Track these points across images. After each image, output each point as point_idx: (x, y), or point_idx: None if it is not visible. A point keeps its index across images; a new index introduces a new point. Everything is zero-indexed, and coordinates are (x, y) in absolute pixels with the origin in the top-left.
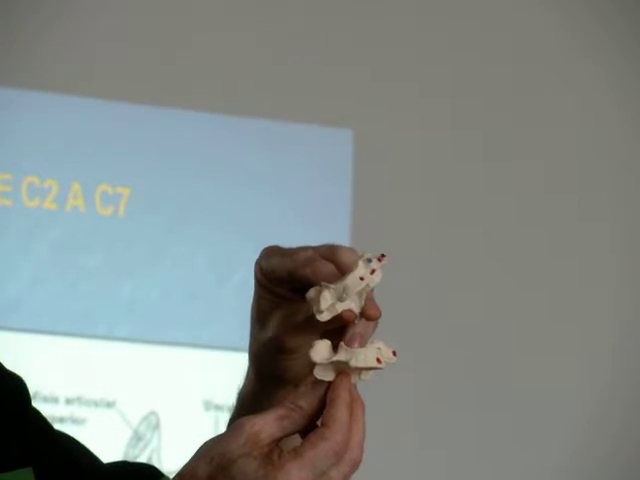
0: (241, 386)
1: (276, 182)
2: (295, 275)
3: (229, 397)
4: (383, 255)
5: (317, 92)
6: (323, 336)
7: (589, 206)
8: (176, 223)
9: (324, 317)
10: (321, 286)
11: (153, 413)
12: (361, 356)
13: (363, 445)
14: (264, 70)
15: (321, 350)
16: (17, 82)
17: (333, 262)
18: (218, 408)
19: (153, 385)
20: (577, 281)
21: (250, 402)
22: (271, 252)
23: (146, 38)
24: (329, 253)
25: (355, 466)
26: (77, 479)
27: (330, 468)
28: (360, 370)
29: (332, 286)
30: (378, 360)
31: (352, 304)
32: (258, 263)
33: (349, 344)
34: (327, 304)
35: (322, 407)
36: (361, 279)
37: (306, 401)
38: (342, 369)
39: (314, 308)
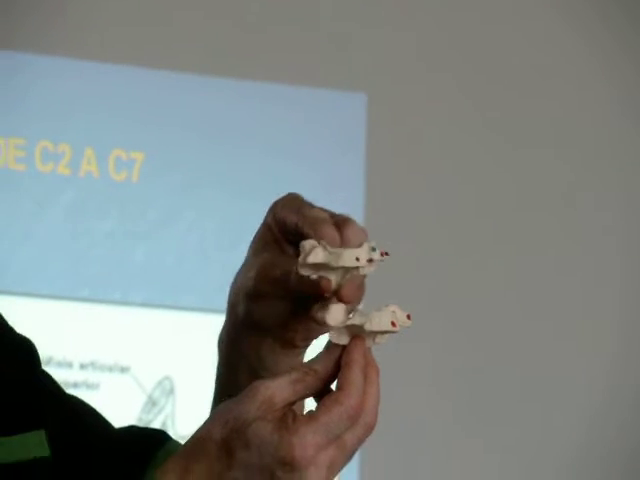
0: (220, 331)
1: (289, 147)
2: (300, 230)
3: None
4: (387, 253)
5: (330, 56)
6: (289, 300)
7: (597, 205)
8: (189, 187)
9: (304, 271)
10: (319, 243)
11: (167, 378)
12: (376, 319)
13: (377, 409)
14: (276, 34)
15: (336, 313)
16: (31, 47)
17: (340, 232)
18: None
19: (167, 350)
20: (582, 277)
21: (225, 347)
22: (289, 202)
23: (154, 1)
24: (340, 222)
25: (370, 430)
26: (88, 443)
27: (344, 432)
28: (375, 334)
29: (329, 248)
30: (393, 323)
31: (333, 276)
32: (273, 207)
33: (341, 297)
34: (315, 260)
35: (336, 371)
36: (357, 259)
37: (320, 365)
38: (357, 333)
39: (300, 258)
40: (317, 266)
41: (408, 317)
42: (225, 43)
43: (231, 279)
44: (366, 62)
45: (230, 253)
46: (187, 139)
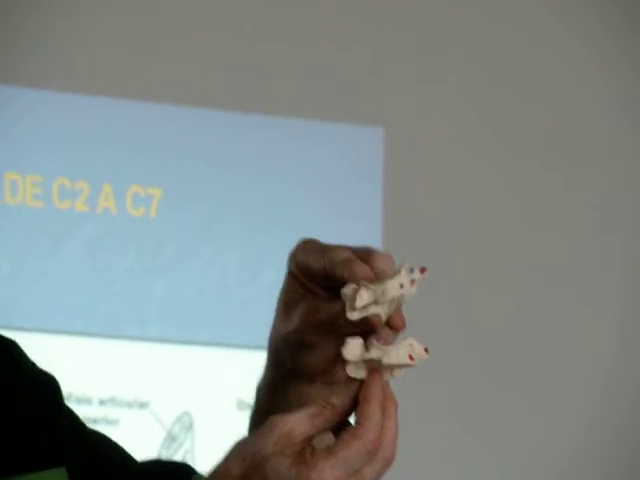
0: (259, 379)
1: (307, 181)
2: (330, 273)
3: None
4: (425, 268)
5: (348, 90)
6: (335, 343)
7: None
8: (208, 223)
9: (355, 316)
10: (359, 285)
11: (186, 413)
12: (393, 353)
13: (396, 443)
14: (294, 69)
15: (353, 348)
16: (47, 84)
17: (371, 266)
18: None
19: (186, 385)
20: (579, 277)
21: (266, 396)
22: (308, 246)
23: (177, 36)
24: (366, 256)
25: (388, 464)
26: (110, 477)
27: (363, 466)
28: (392, 367)
29: (371, 286)
30: (410, 357)
31: (381, 310)
32: (294, 255)
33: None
34: (363, 303)
35: (354, 405)
36: (401, 286)
37: (338, 399)
38: (374, 367)
39: (347, 304)
40: (364, 307)
41: (426, 350)
42: (243, 78)
43: (250, 313)
44: (383, 96)
45: (250, 287)
46: (205, 174)
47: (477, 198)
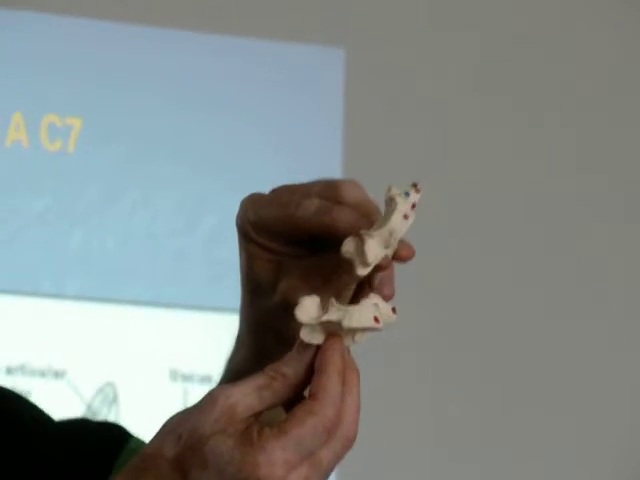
0: (231, 355)
1: (256, 109)
2: (307, 228)
3: (199, 365)
4: (417, 185)
5: (305, 6)
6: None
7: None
8: (135, 160)
9: (367, 271)
10: (360, 235)
11: (110, 384)
12: (355, 315)
13: (358, 420)
14: None
15: (308, 308)
16: None
17: (340, 202)
18: (186, 378)
19: (109, 352)
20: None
21: (249, 369)
22: (259, 203)
23: None
24: (332, 194)
25: (349, 444)
26: (19, 444)
27: (320, 447)
28: (354, 331)
29: (374, 233)
30: (375, 319)
31: (390, 252)
32: (244, 217)
33: (381, 290)
34: (375, 257)
35: (309, 375)
36: (405, 218)
37: (290, 368)
38: (333, 330)
39: (356, 262)
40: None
41: (393, 310)
42: None
43: (185, 267)
44: (344, 13)
45: (185, 237)
46: (133, 102)
47: (442, 125)
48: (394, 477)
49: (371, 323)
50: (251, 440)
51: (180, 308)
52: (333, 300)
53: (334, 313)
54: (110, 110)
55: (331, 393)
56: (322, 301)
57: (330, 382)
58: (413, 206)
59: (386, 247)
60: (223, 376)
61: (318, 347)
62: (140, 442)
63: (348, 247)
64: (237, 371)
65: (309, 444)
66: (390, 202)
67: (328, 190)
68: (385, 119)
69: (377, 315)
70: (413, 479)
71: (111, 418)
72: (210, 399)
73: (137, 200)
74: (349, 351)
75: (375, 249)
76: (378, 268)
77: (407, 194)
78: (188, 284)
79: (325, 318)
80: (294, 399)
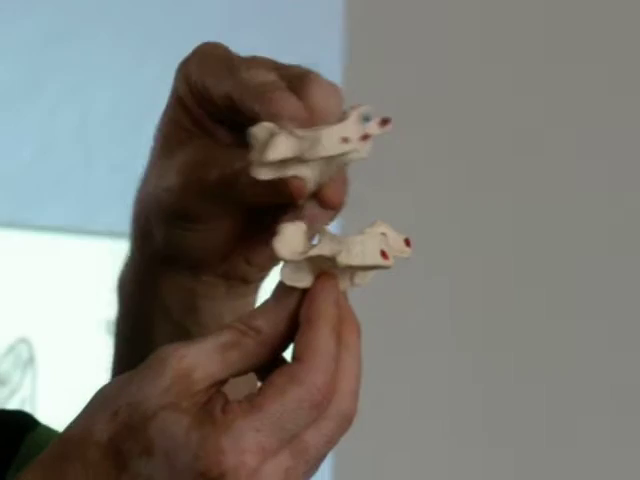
0: (121, 272)
1: None
2: (239, 104)
3: None
4: (387, 120)
5: None
6: (234, 216)
7: None
8: (63, 35)
9: (263, 174)
10: (279, 127)
11: (23, 341)
12: (356, 248)
13: (358, 390)
14: None
15: (292, 238)
16: None
17: (301, 99)
18: None
19: (22, 297)
20: None
21: (131, 296)
22: (210, 58)
23: None
24: (298, 83)
25: (346, 424)
26: None
27: (305, 428)
28: (354, 270)
29: (297, 132)
30: (383, 254)
31: (308, 172)
32: (185, 69)
33: (324, 206)
34: (277, 155)
35: (292, 330)
36: (344, 141)
37: (266, 320)
38: (325, 269)
39: (253, 154)
40: (281, 163)
41: (407, 243)
42: None
43: (124, 185)
44: None
45: (125, 147)
46: None
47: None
48: (400, 461)
49: (377, 259)
50: (213, 418)
51: (119, 237)
52: (326, 229)
53: (327, 245)
54: None
55: (322, 354)
56: (309, 230)
57: (320, 339)
58: (365, 137)
59: (301, 160)
60: (117, 301)
61: (304, 291)
62: (51, 431)
63: (257, 131)
64: (124, 297)
65: (291, 423)
66: (343, 115)
67: (296, 75)
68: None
69: (385, 249)
70: (423, 464)
71: (25, 386)
72: (156, 362)
73: (62, 92)
74: (346, 297)
75: (281, 149)
76: (286, 192)
77: (367, 118)
78: (128, 206)
79: (315, 252)
80: (271, 364)
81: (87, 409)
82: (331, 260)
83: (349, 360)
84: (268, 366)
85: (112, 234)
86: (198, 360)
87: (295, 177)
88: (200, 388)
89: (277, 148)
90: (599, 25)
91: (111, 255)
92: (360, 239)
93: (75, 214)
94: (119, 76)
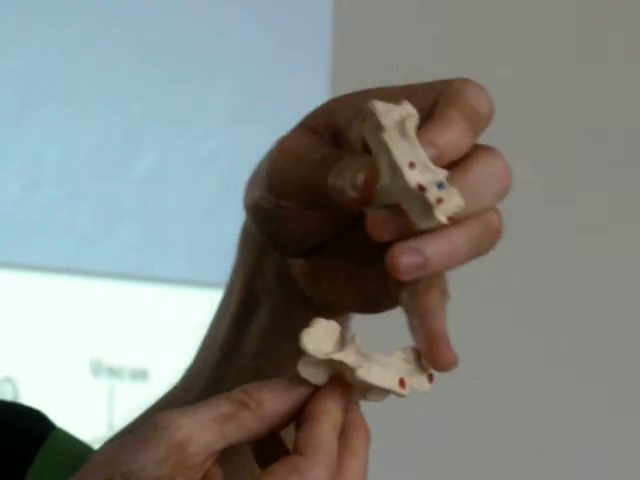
0: (211, 328)
1: None
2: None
3: (131, 355)
4: (432, 377)
5: None
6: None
7: None
8: (48, 63)
9: (432, 224)
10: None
11: (8, 380)
12: (377, 369)
13: None
14: None
15: (320, 335)
16: None
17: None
18: (114, 373)
19: (7, 336)
20: None
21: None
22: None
23: None
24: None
25: None
26: None
27: None
28: (368, 387)
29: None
30: (401, 383)
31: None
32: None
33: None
34: (457, 206)
35: (291, 417)
36: (401, 383)
37: (272, 396)
38: (340, 374)
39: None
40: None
41: (430, 378)
42: None
43: (111, 222)
44: None
45: (113, 182)
46: None
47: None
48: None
49: (394, 386)
50: None
51: (105, 277)
52: (356, 338)
53: (351, 355)
54: None
55: (325, 450)
56: (342, 333)
57: (323, 436)
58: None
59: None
60: (195, 361)
61: (316, 389)
62: (68, 436)
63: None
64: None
65: None
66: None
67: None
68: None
69: (405, 378)
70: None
71: None
72: (152, 431)
73: (50, 127)
74: (359, 406)
75: (458, 200)
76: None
77: (440, 186)
78: (115, 244)
79: (338, 357)
80: (266, 441)
81: (80, 474)
82: (350, 370)
83: (355, 467)
84: (263, 443)
85: (98, 273)
86: (195, 431)
87: (369, 176)
88: (196, 462)
89: (455, 199)
90: (584, 24)
91: (97, 295)
92: (384, 361)
93: (61, 252)
94: (105, 112)
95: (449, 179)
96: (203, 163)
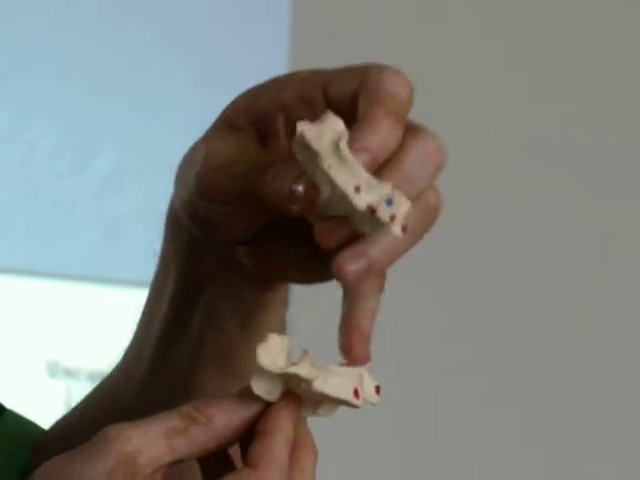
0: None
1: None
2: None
3: (88, 356)
4: (378, 388)
5: None
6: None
7: None
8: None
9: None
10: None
11: None
12: (334, 379)
13: None
14: None
15: (273, 349)
16: None
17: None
18: (70, 374)
19: None
20: None
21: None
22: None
23: None
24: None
25: None
26: None
27: None
28: (323, 399)
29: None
30: (356, 393)
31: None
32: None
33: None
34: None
35: (239, 432)
36: (356, 394)
37: (221, 412)
38: (295, 389)
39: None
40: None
41: (377, 390)
42: None
43: (69, 224)
44: None
45: (70, 183)
46: None
47: None
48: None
49: (349, 396)
50: None
51: (62, 278)
52: (309, 351)
53: (306, 367)
54: None
55: (277, 464)
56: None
57: (276, 450)
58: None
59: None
60: (129, 349)
61: (267, 405)
62: (20, 418)
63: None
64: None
65: None
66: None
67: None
68: None
69: (358, 389)
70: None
71: None
72: (101, 442)
73: (5, 127)
74: (306, 422)
75: (407, 204)
76: (301, 201)
77: (388, 203)
78: (73, 246)
79: (293, 370)
80: (214, 457)
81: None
82: (306, 383)
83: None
84: (210, 460)
85: (56, 275)
86: (144, 443)
87: (308, 191)
88: (145, 473)
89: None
90: (581, 25)
91: (54, 296)
92: (340, 371)
93: (19, 254)
94: (64, 112)
95: (394, 187)
96: (162, 162)
